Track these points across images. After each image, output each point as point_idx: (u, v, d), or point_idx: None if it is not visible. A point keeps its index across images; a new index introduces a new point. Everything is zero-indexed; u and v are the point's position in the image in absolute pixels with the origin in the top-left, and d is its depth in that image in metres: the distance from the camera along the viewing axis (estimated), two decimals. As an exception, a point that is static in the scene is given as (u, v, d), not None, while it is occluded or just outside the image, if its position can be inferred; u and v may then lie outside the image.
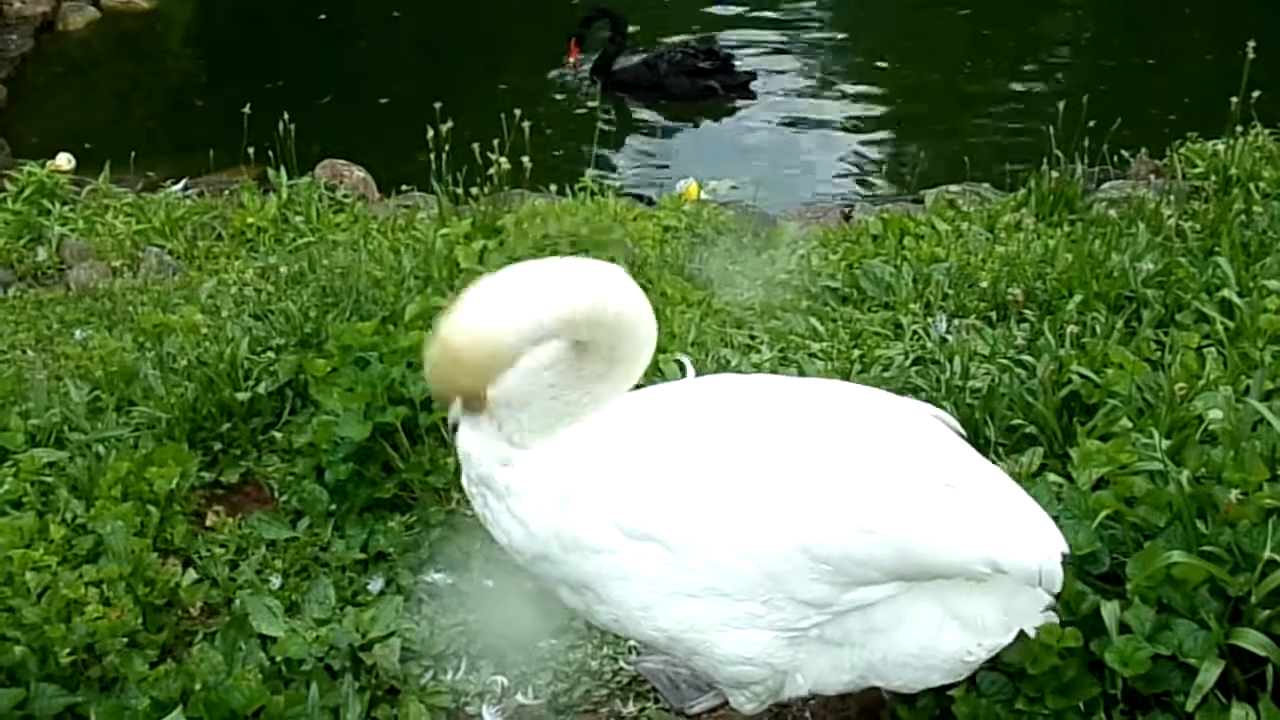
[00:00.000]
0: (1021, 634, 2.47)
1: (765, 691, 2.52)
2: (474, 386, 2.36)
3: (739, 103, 9.06)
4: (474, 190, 5.34)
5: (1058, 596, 2.49)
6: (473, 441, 2.51)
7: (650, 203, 6.57)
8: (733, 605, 2.38)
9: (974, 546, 2.31)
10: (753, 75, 9.19)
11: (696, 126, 8.94)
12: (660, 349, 3.91)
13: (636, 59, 9.20)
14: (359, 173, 7.04)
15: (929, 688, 2.54)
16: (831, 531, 2.31)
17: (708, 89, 8.91)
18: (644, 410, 2.55)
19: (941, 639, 2.43)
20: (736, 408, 2.51)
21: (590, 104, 8.34)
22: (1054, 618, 2.55)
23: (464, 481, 2.61)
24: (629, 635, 2.60)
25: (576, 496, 2.43)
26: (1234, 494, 2.70)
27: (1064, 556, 2.40)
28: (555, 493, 2.45)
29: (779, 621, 2.38)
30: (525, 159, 5.16)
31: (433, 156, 5.55)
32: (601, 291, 2.29)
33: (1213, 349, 3.82)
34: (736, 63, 9.17)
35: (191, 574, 3.38)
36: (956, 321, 4.24)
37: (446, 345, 2.29)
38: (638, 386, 2.52)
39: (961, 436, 2.54)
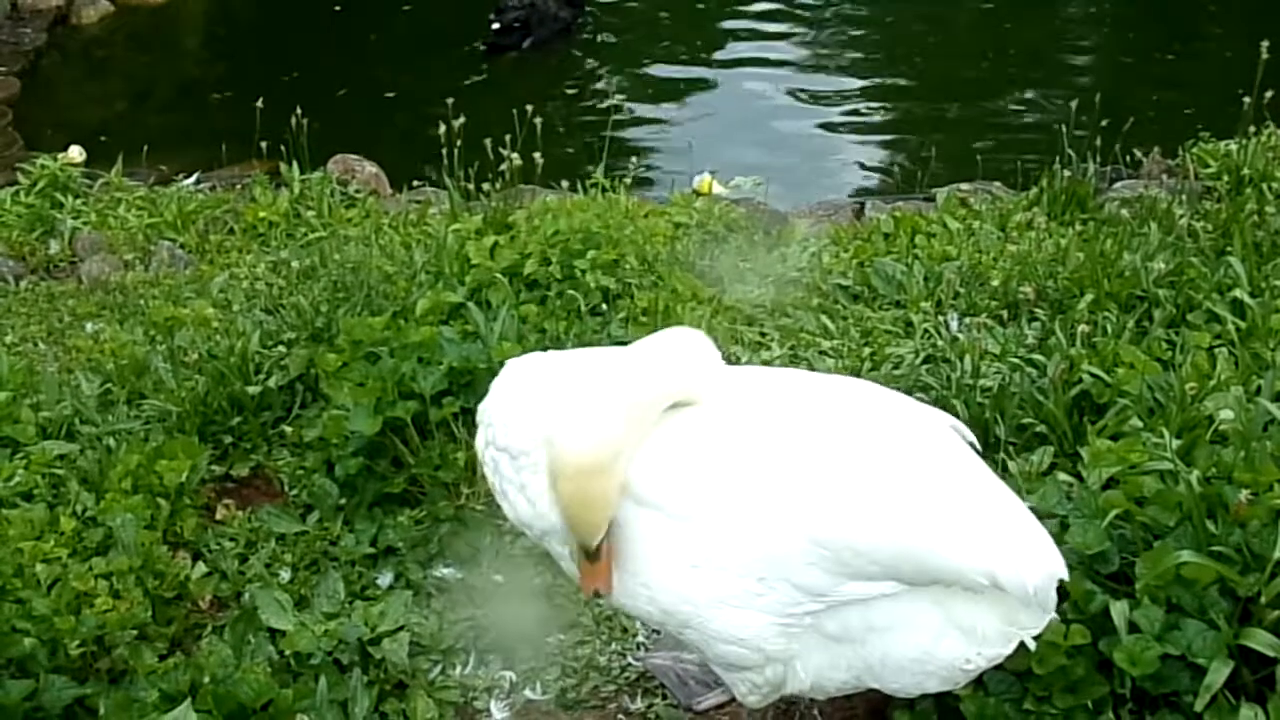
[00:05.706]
0: (1021, 646, 2.46)
1: (765, 683, 2.53)
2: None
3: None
4: (485, 186, 5.34)
5: (1059, 608, 2.49)
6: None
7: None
8: (730, 580, 2.39)
9: (974, 557, 2.32)
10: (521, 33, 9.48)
11: (709, 120, 8.91)
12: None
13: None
14: (371, 168, 7.02)
15: (926, 693, 2.54)
16: (836, 517, 2.33)
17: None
18: None
19: (940, 646, 2.43)
20: (750, 392, 2.52)
21: (612, 101, 8.31)
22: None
23: (478, 443, 2.64)
24: (627, 609, 2.60)
25: None
26: (1244, 494, 2.70)
27: (1061, 581, 2.40)
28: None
29: (774, 604, 2.39)
30: (537, 155, 5.15)
31: (444, 152, 5.55)
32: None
33: (1224, 349, 3.82)
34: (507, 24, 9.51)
35: (201, 567, 3.40)
36: (967, 320, 4.23)
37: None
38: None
39: (976, 450, 2.54)
